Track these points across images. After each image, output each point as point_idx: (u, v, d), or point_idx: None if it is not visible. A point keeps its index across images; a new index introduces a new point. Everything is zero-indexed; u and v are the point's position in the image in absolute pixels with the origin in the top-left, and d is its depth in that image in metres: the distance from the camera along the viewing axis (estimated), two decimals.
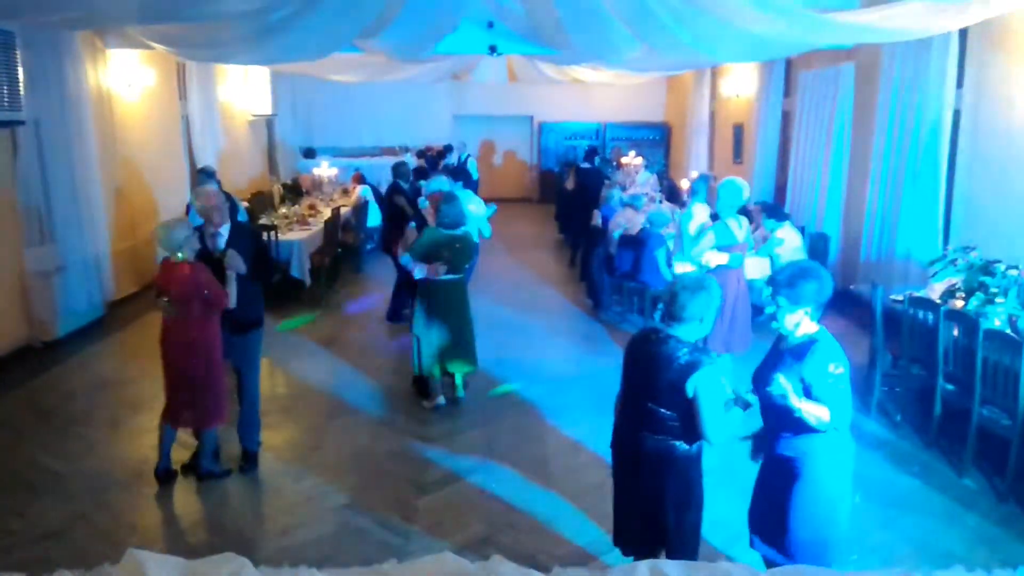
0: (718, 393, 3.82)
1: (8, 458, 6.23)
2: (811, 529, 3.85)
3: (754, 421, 4.08)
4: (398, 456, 6.30)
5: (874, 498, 5.55)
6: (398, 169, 10.69)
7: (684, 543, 3.99)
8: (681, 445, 3.89)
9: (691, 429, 3.83)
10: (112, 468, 6.10)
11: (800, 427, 3.73)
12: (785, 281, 3.81)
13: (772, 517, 3.97)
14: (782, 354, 3.89)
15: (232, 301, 5.56)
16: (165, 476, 5.85)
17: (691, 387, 3.75)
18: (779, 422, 3.86)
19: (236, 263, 5.60)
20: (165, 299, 5.49)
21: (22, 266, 8.54)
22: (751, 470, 5.85)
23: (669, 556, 3.87)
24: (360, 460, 6.25)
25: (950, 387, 6.12)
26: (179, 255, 5.41)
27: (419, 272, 6.88)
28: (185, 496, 5.76)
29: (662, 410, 3.85)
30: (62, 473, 5.99)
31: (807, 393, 3.70)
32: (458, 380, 7.30)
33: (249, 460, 6.09)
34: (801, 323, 3.81)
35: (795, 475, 3.82)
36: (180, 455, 6.01)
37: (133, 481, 5.90)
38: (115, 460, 6.25)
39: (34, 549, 4.94)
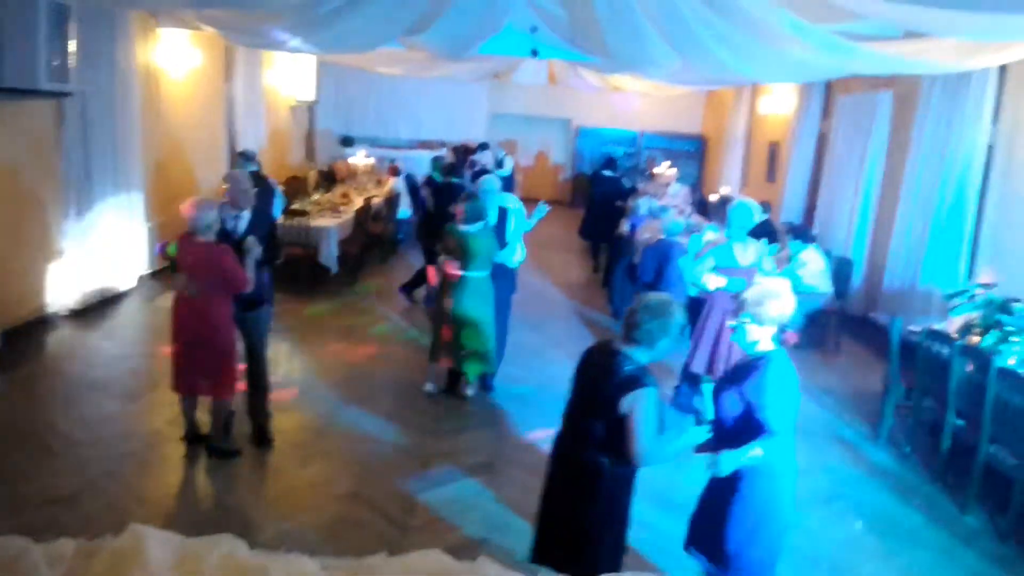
0: (653, 416, 3.72)
1: (25, 422, 6.36)
2: (747, 544, 3.93)
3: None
4: (404, 450, 6.37)
5: (875, 528, 5.61)
6: (434, 162, 10.97)
7: (601, 561, 3.92)
8: (612, 463, 3.84)
9: (621, 448, 3.74)
10: (126, 439, 6.21)
11: (742, 443, 3.80)
12: (754, 300, 3.91)
13: (711, 529, 4.05)
14: (736, 367, 4.03)
15: (252, 285, 5.72)
16: (191, 439, 6.08)
17: (626, 404, 3.69)
18: (728, 438, 3.94)
19: (255, 249, 5.76)
20: (184, 275, 5.65)
21: (59, 234, 8.71)
22: None
23: (586, 573, 3.86)
24: (366, 451, 6.33)
25: (960, 422, 6.12)
26: (204, 235, 5.57)
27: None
28: (194, 472, 5.89)
29: (598, 425, 3.82)
30: (76, 440, 6.11)
31: (747, 409, 3.79)
32: (470, 378, 7.40)
33: (261, 436, 6.24)
34: (760, 340, 3.90)
35: (738, 490, 3.89)
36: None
37: (145, 453, 6.03)
38: (129, 431, 6.37)
39: (42, 513, 5.04)
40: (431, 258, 8.73)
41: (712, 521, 4.05)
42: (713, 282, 6.72)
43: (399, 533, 5.13)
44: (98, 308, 9.21)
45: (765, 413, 3.75)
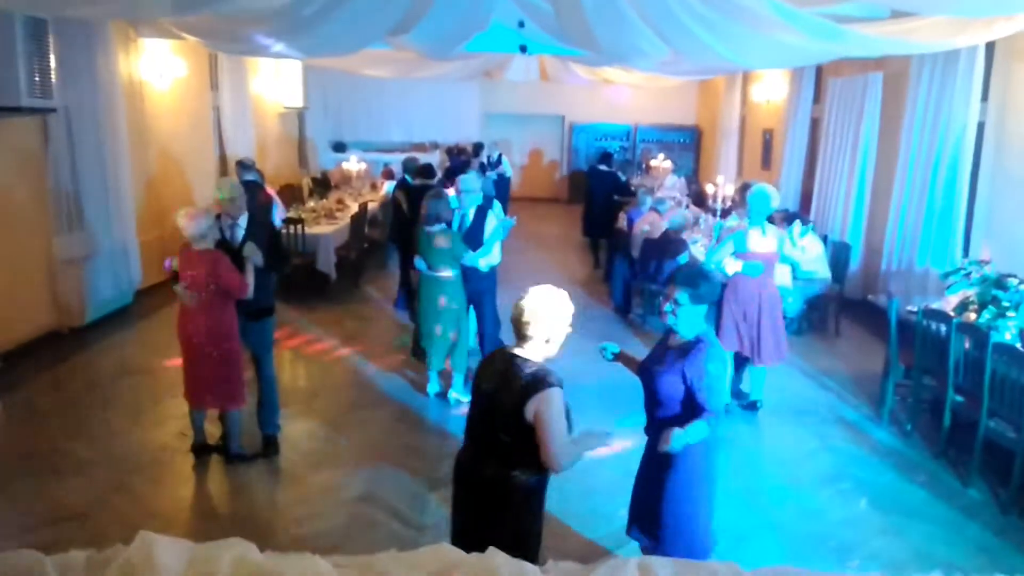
0: (562, 416, 3.52)
1: (32, 441, 6.37)
2: (682, 518, 4.05)
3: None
4: (414, 450, 6.40)
5: (879, 505, 5.65)
6: (405, 164, 11.14)
7: None
8: (520, 475, 3.61)
9: (531, 457, 3.52)
10: (133, 454, 6.23)
11: (681, 421, 3.88)
12: (687, 280, 4.01)
13: (648, 507, 4.15)
14: (669, 350, 4.08)
15: (250, 291, 5.73)
16: (199, 450, 6.11)
17: (530, 409, 3.46)
18: (661, 416, 4.04)
19: (255, 254, 5.78)
20: (183, 285, 5.67)
21: (51, 253, 8.66)
22: (754, 475, 5.94)
23: None
24: (376, 453, 6.36)
25: (959, 398, 6.15)
26: (200, 244, 5.60)
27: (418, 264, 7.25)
28: (203, 483, 5.91)
29: (503, 436, 3.58)
30: (84, 458, 6.12)
31: (689, 387, 3.88)
32: (456, 378, 7.40)
33: (269, 445, 6.27)
34: (694, 321, 4.01)
35: (672, 467, 3.99)
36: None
37: (153, 467, 6.04)
38: (136, 446, 6.38)
39: (54, 531, 5.04)
40: (408, 261, 8.73)
41: (650, 499, 4.15)
42: (731, 267, 6.85)
43: (413, 532, 5.16)
44: (97, 325, 9.20)
45: (706, 395, 3.84)
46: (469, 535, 3.72)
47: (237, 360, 5.93)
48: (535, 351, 3.64)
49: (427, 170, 10.70)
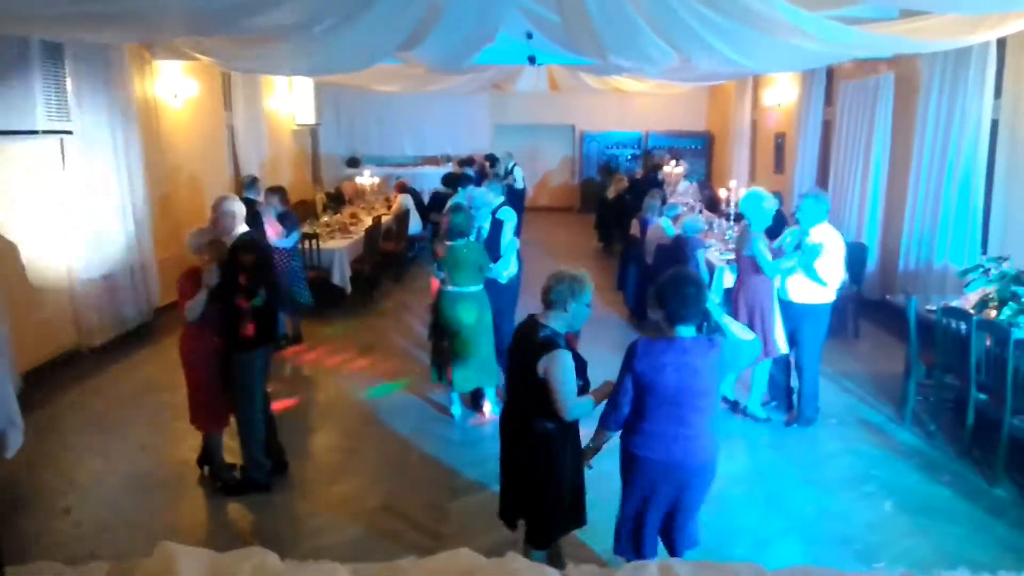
0: (570, 374, 4.00)
1: (57, 459, 6.43)
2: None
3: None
4: (432, 461, 6.39)
5: (904, 507, 5.59)
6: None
7: (545, 515, 4.30)
8: (539, 422, 4.16)
9: (547, 407, 4.05)
10: (155, 470, 6.28)
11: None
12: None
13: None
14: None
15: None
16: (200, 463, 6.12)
17: (541, 367, 3.99)
18: None
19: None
20: None
21: (70, 273, 8.75)
22: (777, 478, 5.90)
23: (530, 527, 4.34)
24: (394, 464, 6.36)
25: (983, 397, 6.08)
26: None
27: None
28: (223, 498, 5.88)
29: (525, 390, 4.15)
30: (106, 474, 6.18)
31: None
32: (489, 395, 7.31)
33: (240, 480, 5.94)
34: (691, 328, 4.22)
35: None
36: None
37: (175, 482, 6.08)
38: (158, 462, 6.44)
39: (78, 547, 5.09)
40: None
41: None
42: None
43: (432, 541, 5.15)
44: (117, 343, 9.26)
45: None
46: (513, 476, 4.42)
47: (204, 389, 5.74)
48: (554, 318, 4.15)
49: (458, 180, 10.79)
